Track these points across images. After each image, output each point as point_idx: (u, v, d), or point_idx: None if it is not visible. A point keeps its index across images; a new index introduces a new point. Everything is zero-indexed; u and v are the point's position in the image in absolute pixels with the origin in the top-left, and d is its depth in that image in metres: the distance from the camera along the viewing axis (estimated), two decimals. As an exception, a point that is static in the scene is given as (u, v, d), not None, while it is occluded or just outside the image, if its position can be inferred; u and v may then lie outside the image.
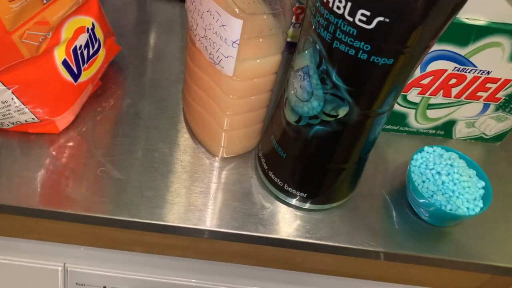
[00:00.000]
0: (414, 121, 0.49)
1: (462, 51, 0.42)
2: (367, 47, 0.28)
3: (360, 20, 0.27)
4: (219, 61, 0.35)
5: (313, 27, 0.30)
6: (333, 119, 0.33)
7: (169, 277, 0.49)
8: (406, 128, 0.49)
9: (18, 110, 0.39)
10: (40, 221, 0.41)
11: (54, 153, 0.42)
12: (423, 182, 0.41)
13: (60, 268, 0.48)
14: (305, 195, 0.40)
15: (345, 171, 0.38)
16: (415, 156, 0.43)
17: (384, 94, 0.32)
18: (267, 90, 0.39)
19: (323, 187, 0.40)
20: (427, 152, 0.43)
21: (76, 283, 0.50)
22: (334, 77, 0.31)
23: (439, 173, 0.41)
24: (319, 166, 0.38)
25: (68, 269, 0.49)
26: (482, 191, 0.41)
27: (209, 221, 0.40)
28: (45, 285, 0.50)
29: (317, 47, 0.30)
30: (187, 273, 0.49)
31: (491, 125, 0.49)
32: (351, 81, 0.30)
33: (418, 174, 0.42)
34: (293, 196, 0.41)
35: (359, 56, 0.28)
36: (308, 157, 0.37)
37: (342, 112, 0.33)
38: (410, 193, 0.42)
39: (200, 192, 0.42)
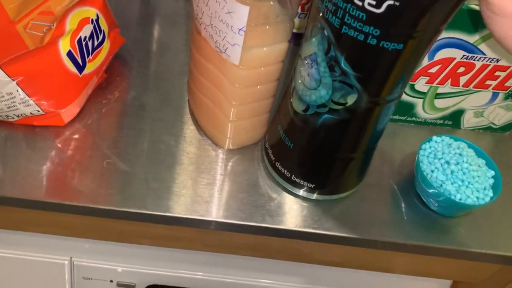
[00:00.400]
0: (422, 111, 0.48)
1: (471, 39, 0.41)
2: (376, 32, 0.27)
3: (369, 4, 0.26)
4: (225, 50, 0.34)
5: (321, 13, 0.30)
6: (342, 107, 0.33)
7: (176, 270, 0.49)
8: (413, 119, 0.49)
9: (23, 102, 0.39)
10: (46, 214, 0.41)
11: (59, 145, 0.42)
12: (432, 171, 0.41)
13: (66, 262, 0.48)
14: (313, 185, 0.40)
15: (353, 161, 0.38)
16: (423, 146, 0.42)
17: (393, 81, 0.31)
18: (273, 80, 0.38)
19: (330, 177, 0.39)
20: (436, 141, 0.43)
21: (83, 277, 0.49)
22: (343, 63, 0.30)
23: (448, 162, 0.41)
24: (327, 156, 0.37)
25: (74, 263, 0.48)
26: (491, 181, 0.41)
27: (216, 213, 0.40)
28: (52, 279, 0.50)
29: (325, 33, 0.30)
30: (194, 265, 0.49)
31: (500, 114, 0.48)
32: (360, 67, 0.30)
33: (426, 163, 0.41)
34: (300, 186, 0.40)
35: (368, 41, 0.28)
36: (316, 147, 0.37)
37: (350, 100, 0.32)
38: (419, 183, 0.41)
39: (206, 183, 0.42)
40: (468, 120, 0.49)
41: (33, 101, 0.39)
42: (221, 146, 0.44)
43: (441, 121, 0.49)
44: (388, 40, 0.28)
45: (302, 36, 0.34)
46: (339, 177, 0.39)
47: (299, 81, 0.35)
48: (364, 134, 0.36)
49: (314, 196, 0.41)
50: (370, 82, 0.31)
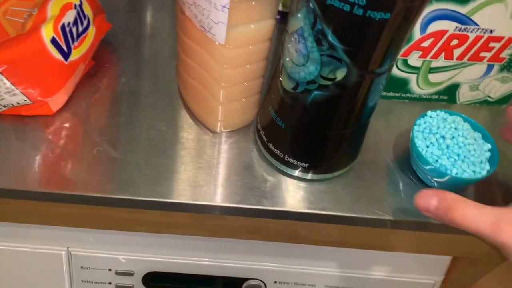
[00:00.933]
0: (416, 87, 0.47)
1: (463, 9, 0.40)
2: (362, 2, 0.27)
3: (353, -28, 0.26)
4: (210, 29, 0.33)
5: (306, -15, 0.29)
6: (331, 82, 0.32)
7: (174, 256, 0.49)
8: (408, 95, 0.48)
9: (8, 92, 0.38)
10: (39, 204, 0.40)
11: (49, 135, 0.41)
12: (427, 147, 0.40)
13: (64, 252, 0.48)
14: (307, 165, 0.39)
15: (346, 138, 0.37)
16: (418, 121, 0.42)
17: (382, 52, 0.30)
18: (262, 59, 0.38)
19: (324, 156, 0.39)
20: (430, 116, 0.42)
21: (81, 267, 0.49)
22: (330, 36, 0.29)
23: (443, 137, 0.40)
24: (319, 134, 0.37)
25: (72, 253, 0.48)
26: (488, 154, 0.40)
27: (211, 197, 0.39)
28: (49, 270, 0.50)
29: (311, 5, 0.29)
30: (192, 251, 0.49)
31: (495, 87, 0.47)
32: (348, 39, 0.29)
33: (421, 139, 0.41)
34: (294, 167, 0.40)
35: (354, 11, 0.27)
36: (307, 125, 0.36)
37: (340, 75, 0.31)
38: (414, 159, 0.41)
39: (199, 168, 0.41)
40: (464, 94, 0.48)
41: (19, 90, 0.38)
42: (212, 129, 0.43)
43: (436, 97, 0.48)
44: (374, 9, 0.27)
45: (288, 14, 0.33)
46: (333, 155, 0.39)
47: (287, 58, 0.34)
48: (355, 110, 0.35)
49: (309, 176, 0.40)
50: (358, 55, 0.30)
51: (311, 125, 0.36)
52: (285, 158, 0.40)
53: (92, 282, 0.50)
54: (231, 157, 0.42)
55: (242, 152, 0.43)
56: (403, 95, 0.48)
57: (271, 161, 0.41)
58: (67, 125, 0.42)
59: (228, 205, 0.39)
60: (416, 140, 0.40)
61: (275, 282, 0.51)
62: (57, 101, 0.41)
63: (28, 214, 0.43)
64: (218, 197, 0.39)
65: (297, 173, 0.41)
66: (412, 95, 0.48)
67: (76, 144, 0.41)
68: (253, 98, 0.42)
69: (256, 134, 0.42)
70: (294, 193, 0.40)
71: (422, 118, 0.42)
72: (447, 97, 0.48)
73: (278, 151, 0.40)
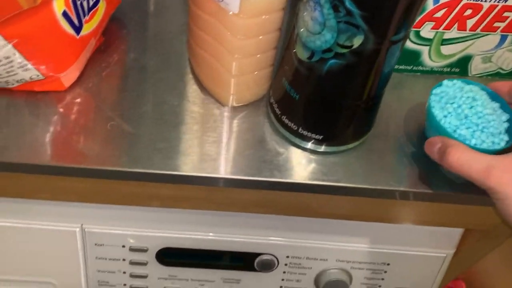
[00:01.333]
0: (428, 59, 0.47)
1: (478, -22, 0.40)
2: (381, -36, 0.26)
3: None
4: (224, -2, 0.33)
5: (322, -51, 0.29)
6: (348, 50, 0.32)
7: (188, 232, 0.49)
8: (420, 67, 0.48)
9: (21, 67, 0.38)
10: (53, 180, 0.41)
11: (62, 110, 0.41)
12: (445, 117, 0.39)
13: (77, 229, 0.49)
14: (321, 137, 0.39)
15: (361, 109, 0.37)
16: (434, 90, 0.41)
17: (400, 18, 0.30)
18: (275, 29, 0.37)
19: (338, 127, 0.39)
20: (447, 86, 0.41)
21: (95, 244, 0.50)
22: (347, 2, 0.29)
23: (460, 106, 0.39)
24: (334, 105, 0.37)
25: (86, 230, 0.49)
26: (506, 124, 0.40)
27: (224, 170, 0.39)
28: (64, 247, 0.50)
29: (328, -30, 0.29)
30: (205, 227, 0.49)
31: (509, 58, 0.47)
32: (366, 5, 0.29)
33: (439, 109, 0.40)
34: (307, 139, 0.40)
35: (373, -26, 0.27)
36: (322, 95, 0.36)
37: (357, 42, 0.31)
38: (431, 129, 0.40)
39: (212, 142, 0.41)
40: (476, 67, 0.48)
41: (31, 64, 0.38)
42: (224, 104, 0.43)
43: (448, 69, 0.48)
44: (393, -29, 0.27)
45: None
46: (347, 127, 0.39)
47: (302, 28, 0.34)
48: (371, 79, 0.35)
49: (322, 148, 0.40)
50: (376, 21, 0.30)
51: (326, 96, 0.36)
52: (299, 131, 0.40)
53: (106, 259, 0.51)
54: (243, 131, 0.42)
55: (254, 126, 0.43)
56: (414, 68, 0.48)
57: (284, 134, 0.41)
58: (79, 100, 0.42)
59: (242, 177, 0.39)
60: (433, 110, 0.39)
61: (287, 256, 0.51)
62: (69, 76, 0.41)
63: (42, 190, 0.43)
64: (231, 170, 0.39)
65: (310, 145, 0.40)
66: (424, 68, 0.48)
67: (89, 119, 0.41)
68: (265, 71, 0.41)
69: (268, 108, 0.42)
70: (307, 165, 0.41)
71: (438, 88, 0.41)
72: (459, 69, 0.48)
73: (292, 124, 0.39)
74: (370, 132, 0.42)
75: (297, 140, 0.41)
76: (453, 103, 0.40)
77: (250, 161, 0.40)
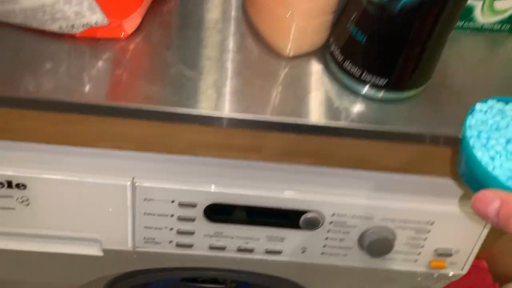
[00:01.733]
0: (480, 15, 0.47)
1: None
2: None
3: None
4: None
5: None
6: (425, -15, 0.32)
7: (237, 188, 0.49)
8: (471, 24, 0.48)
9: (90, 9, 0.38)
10: (113, 125, 0.41)
11: (123, 55, 0.42)
12: (492, 159, 0.29)
13: (128, 183, 0.49)
14: (385, 81, 0.40)
15: (427, 52, 0.38)
16: (468, 122, 0.30)
17: None
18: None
19: (404, 70, 0.39)
20: (481, 111, 0.32)
21: (145, 199, 0.50)
22: None
23: (509, 140, 0.29)
24: (402, 46, 0.37)
25: (136, 184, 0.49)
26: None
27: (281, 114, 0.40)
28: (113, 202, 0.50)
29: None
30: (255, 182, 0.49)
31: (560, 15, 0.47)
32: None
33: (480, 148, 0.29)
34: (370, 85, 0.40)
35: None
36: (392, 36, 0.36)
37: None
38: (473, 176, 0.29)
39: (270, 88, 0.42)
40: (527, 24, 0.48)
41: (99, 7, 0.39)
42: (282, 52, 0.44)
43: (499, 26, 0.49)
44: None
45: None
46: (412, 71, 0.39)
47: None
48: (441, 20, 0.35)
49: (384, 94, 0.41)
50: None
51: (396, 36, 0.36)
52: (362, 76, 0.40)
53: (154, 214, 0.51)
54: (300, 79, 0.43)
55: (312, 74, 0.43)
56: (465, 24, 0.48)
57: (345, 82, 0.41)
58: (140, 47, 0.42)
59: (302, 123, 0.40)
60: (474, 151, 0.29)
61: (333, 214, 0.52)
62: (131, 23, 0.42)
63: (101, 138, 0.43)
64: (290, 114, 0.40)
65: (372, 91, 0.41)
66: (475, 25, 0.48)
67: (151, 64, 0.41)
68: (325, 19, 0.42)
69: (328, 56, 0.43)
70: (367, 113, 0.41)
71: (471, 117, 0.31)
72: (510, 26, 0.48)
73: (356, 69, 0.40)
74: (428, 83, 0.42)
75: (358, 87, 0.41)
76: (498, 137, 0.30)
77: (306, 108, 0.40)
